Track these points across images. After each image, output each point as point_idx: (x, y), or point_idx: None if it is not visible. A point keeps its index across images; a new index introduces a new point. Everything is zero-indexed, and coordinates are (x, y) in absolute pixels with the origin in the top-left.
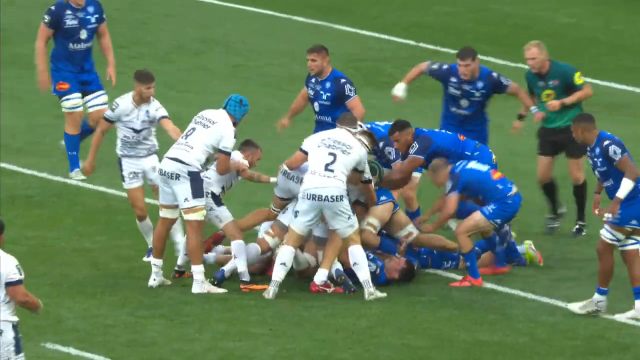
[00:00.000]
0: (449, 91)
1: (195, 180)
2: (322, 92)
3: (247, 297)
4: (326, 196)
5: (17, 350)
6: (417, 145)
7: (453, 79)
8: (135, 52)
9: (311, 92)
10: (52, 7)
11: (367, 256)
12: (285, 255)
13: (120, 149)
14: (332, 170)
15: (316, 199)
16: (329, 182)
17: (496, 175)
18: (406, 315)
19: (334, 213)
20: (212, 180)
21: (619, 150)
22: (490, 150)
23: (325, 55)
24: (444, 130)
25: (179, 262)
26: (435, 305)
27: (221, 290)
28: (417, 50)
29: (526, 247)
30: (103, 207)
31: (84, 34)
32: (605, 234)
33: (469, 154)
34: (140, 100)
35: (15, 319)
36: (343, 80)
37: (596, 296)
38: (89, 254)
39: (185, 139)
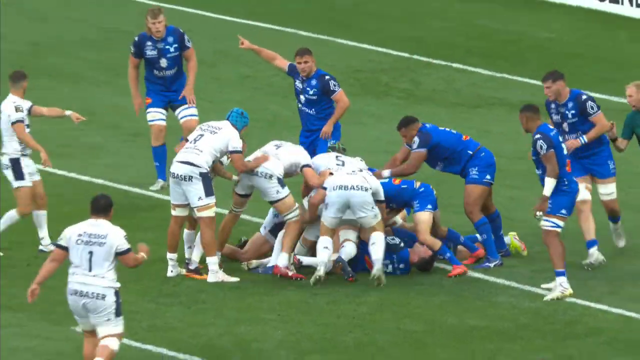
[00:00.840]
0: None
1: (206, 180)
2: (308, 88)
3: (257, 286)
4: (352, 185)
5: (117, 313)
6: (418, 140)
7: (552, 105)
8: None
9: (298, 86)
10: (135, 39)
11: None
12: (325, 240)
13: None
14: (360, 170)
15: (344, 188)
16: (355, 177)
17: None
18: (402, 302)
19: (361, 202)
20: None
21: (544, 146)
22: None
23: (313, 57)
24: (452, 130)
25: (187, 255)
26: (429, 293)
27: (234, 279)
28: (412, 62)
29: (511, 237)
30: (127, 205)
31: (164, 63)
32: (545, 223)
33: (471, 152)
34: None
35: (118, 285)
36: (327, 77)
37: (557, 279)
38: None
39: (194, 143)
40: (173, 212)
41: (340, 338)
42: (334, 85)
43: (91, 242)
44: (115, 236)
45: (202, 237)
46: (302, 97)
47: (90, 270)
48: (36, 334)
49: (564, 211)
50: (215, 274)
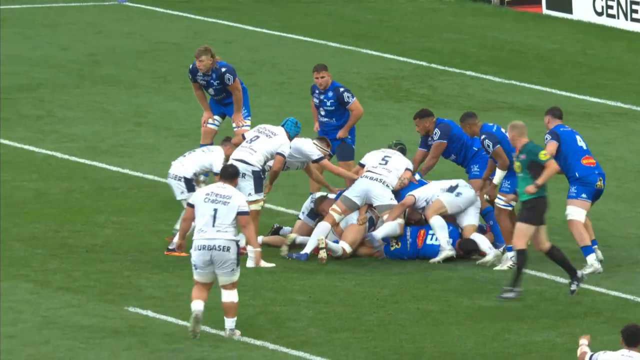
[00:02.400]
0: None
1: (258, 179)
2: (325, 100)
3: (290, 271)
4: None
5: (237, 263)
6: (439, 132)
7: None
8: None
9: (316, 101)
10: (190, 67)
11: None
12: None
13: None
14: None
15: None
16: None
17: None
18: (420, 286)
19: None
20: (186, 167)
21: (491, 144)
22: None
23: (329, 72)
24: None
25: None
26: (444, 277)
27: (270, 265)
28: (429, 70)
29: None
30: (174, 197)
31: (211, 92)
32: (499, 201)
33: (476, 149)
34: None
35: (238, 239)
36: (342, 89)
37: (507, 254)
38: (163, 235)
39: (250, 143)
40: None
41: (365, 317)
42: (348, 97)
43: (217, 200)
44: (238, 198)
45: (248, 228)
46: (321, 109)
47: (213, 225)
48: (94, 313)
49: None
50: (254, 259)
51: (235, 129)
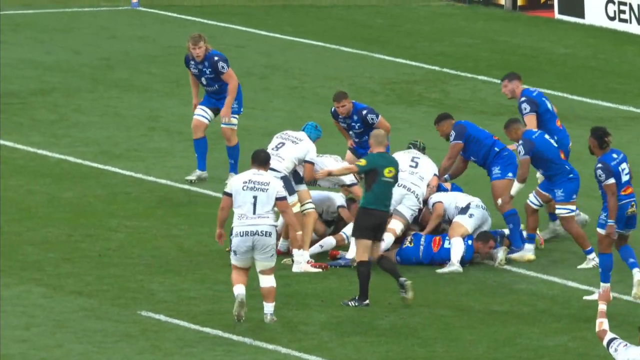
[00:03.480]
0: None
1: (287, 182)
2: (353, 124)
3: (302, 275)
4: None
5: (275, 247)
6: (455, 133)
7: None
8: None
9: (344, 125)
10: (186, 55)
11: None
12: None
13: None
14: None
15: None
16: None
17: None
18: (432, 290)
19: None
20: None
21: (523, 151)
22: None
23: (349, 99)
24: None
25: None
26: (456, 281)
27: (317, 270)
28: (441, 75)
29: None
30: (187, 201)
31: (204, 81)
32: (561, 211)
33: (498, 150)
34: None
35: (277, 223)
36: (364, 112)
37: (588, 256)
38: (176, 239)
39: (276, 150)
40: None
41: (377, 321)
42: (372, 119)
43: (256, 188)
44: (276, 184)
45: (287, 213)
46: (351, 133)
47: (254, 212)
48: (106, 317)
49: (574, 196)
50: (299, 265)
51: (222, 126)
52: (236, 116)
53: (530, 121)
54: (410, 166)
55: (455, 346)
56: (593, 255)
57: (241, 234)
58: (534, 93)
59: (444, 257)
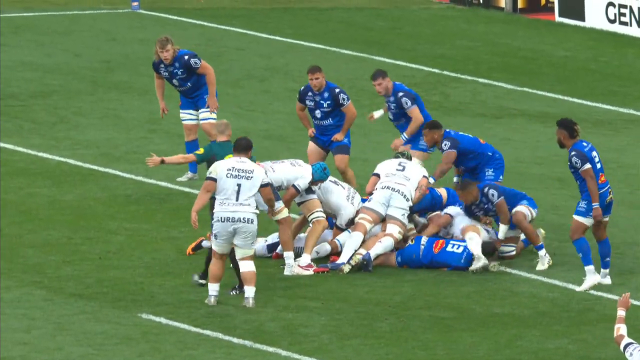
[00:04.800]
0: None
1: (273, 189)
2: (321, 101)
3: (303, 278)
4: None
5: (255, 235)
6: (449, 143)
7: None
8: None
9: (311, 103)
10: (154, 61)
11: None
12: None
13: None
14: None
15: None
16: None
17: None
18: (433, 292)
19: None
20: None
21: (496, 194)
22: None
23: (323, 73)
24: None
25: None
26: (457, 284)
27: (308, 272)
28: (442, 77)
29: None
30: (187, 204)
31: (175, 83)
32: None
33: (490, 154)
34: None
35: (258, 212)
36: (337, 90)
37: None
38: (176, 242)
39: (273, 163)
40: None
41: (377, 324)
42: (343, 99)
43: (240, 175)
44: (260, 171)
45: (280, 234)
46: (317, 112)
47: (237, 199)
48: (107, 319)
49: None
50: (291, 267)
51: (202, 122)
52: (214, 114)
53: (415, 113)
54: (397, 169)
55: (456, 349)
56: (544, 251)
57: (222, 220)
58: (403, 87)
59: (445, 260)
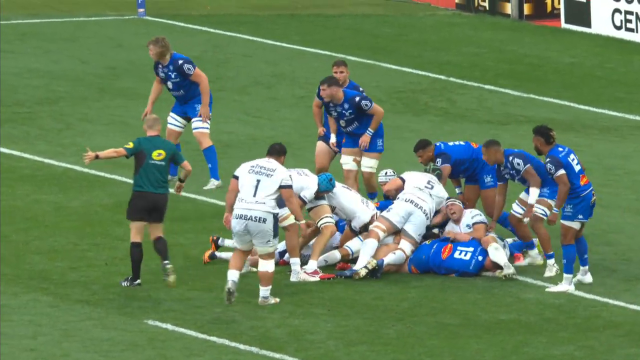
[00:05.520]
0: None
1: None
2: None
3: (309, 284)
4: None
5: (275, 235)
6: (441, 160)
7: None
8: (219, 85)
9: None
10: (156, 62)
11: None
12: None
13: None
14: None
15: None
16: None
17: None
18: (439, 299)
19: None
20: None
21: (521, 162)
22: None
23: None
24: (456, 143)
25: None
26: (463, 290)
27: (314, 279)
28: (448, 84)
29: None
30: (193, 211)
31: (170, 86)
32: (536, 209)
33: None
34: None
35: (276, 211)
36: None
37: (549, 261)
38: (182, 248)
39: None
40: None
41: (383, 330)
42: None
43: (261, 172)
44: (282, 172)
45: (287, 241)
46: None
47: (254, 195)
48: (113, 326)
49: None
50: (297, 274)
51: (194, 130)
52: (208, 123)
53: (377, 108)
54: (425, 187)
55: (462, 355)
56: (553, 260)
57: (236, 217)
58: (352, 91)
59: (452, 267)
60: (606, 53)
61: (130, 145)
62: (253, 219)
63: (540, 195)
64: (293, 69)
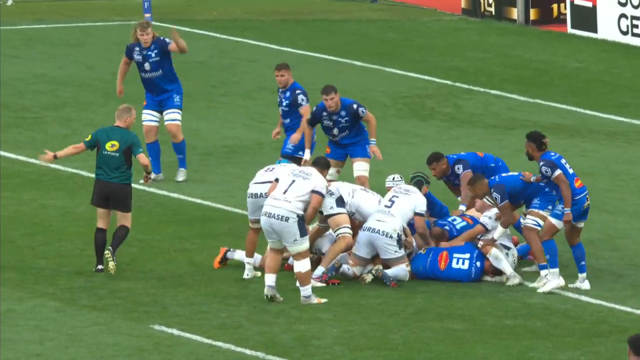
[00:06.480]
0: None
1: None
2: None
3: (315, 290)
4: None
5: (302, 234)
6: (462, 165)
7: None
8: (223, 90)
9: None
10: (129, 44)
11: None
12: None
13: None
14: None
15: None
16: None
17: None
18: (445, 304)
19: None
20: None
21: (549, 170)
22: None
23: (290, 72)
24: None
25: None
26: (469, 296)
27: (320, 284)
28: (454, 89)
29: None
30: (199, 215)
31: (147, 67)
32: (528, 220)
33: (492, 165)
34: None
35: (301, 213)
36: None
37: (542, 272)
38: (188, 253)
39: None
40: (252, 225)
41: (389, 335)
42: (302, 100)
43: (299, 175)
44: (319, 179)
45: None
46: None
47: (284, 193)
48: (119, 331)
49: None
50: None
51: (169, 123)
52: (179, 111)
53: (370, 115)
54: (387, 206)
55: None
56: (546, 271)
57: (263, 214)
58: (347, 99)
59: (452, 277)
60: (612, 58)
61: (88, 137)
62: (276, 217)
63: (531, 207)
64: (298, 75)
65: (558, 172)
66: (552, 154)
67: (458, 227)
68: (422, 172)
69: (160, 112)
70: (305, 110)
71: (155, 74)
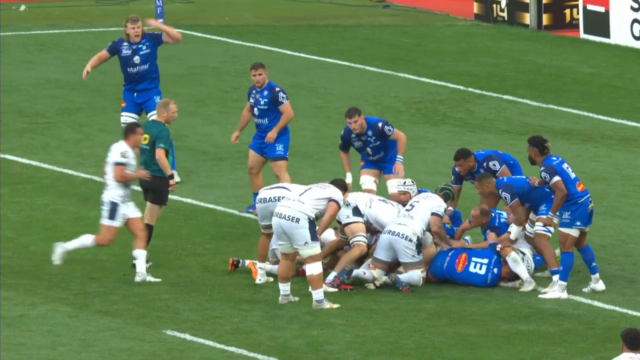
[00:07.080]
0: None
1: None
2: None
3: (327, 295)
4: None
5: (313, 238)
6: (497, 162)
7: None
8: (237, 95)
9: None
10: (118, 39)
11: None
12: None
13: None
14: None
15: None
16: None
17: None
18: (457, 309)
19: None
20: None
21: (548, 176)
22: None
23: (266, 70)
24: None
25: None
26: (482, 301)
27: (332, 289)
28: (467, 94)
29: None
30: (212, 221)
31: (136, 60)
32: (537, 227)
33: (512, 162)
34: None
35: (313, 216)
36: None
37: (554, 277)
38: (201, 258)
39: (300, 196)
40: (263, 231)
41: (402, 341)
42: (282, 97)
43: (319, 185)
44: (336, 191)
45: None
46: (255, 109)
47: (300, 195)
48: (132, 336)
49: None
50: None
51: (148, 115)
52: (158, 99)
53: (398, 133)
54: (407, 210)
55: None
56: (557, 277)
57: (274, 215)
58: (372, 117)
59: (468, 281)
60: (625, 63)
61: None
62: (287, 217)
63: (539, 214)
64: (311, 79)
65: (556, 179)
66: (554, 158)
67: (502, 220)
68: (450, 185)
69: (139, 113)
70: (286, 108)
71: (143, 67)
